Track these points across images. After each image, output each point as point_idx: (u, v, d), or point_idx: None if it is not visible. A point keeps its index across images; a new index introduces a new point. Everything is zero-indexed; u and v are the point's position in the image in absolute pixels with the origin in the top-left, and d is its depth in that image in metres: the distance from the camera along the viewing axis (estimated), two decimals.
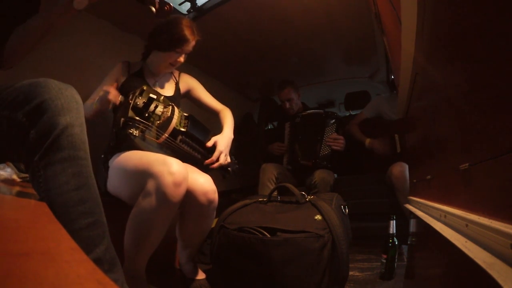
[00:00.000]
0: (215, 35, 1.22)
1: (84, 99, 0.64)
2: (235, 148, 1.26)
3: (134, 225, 0.91)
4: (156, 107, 1.06)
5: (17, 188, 0.71)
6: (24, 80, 0.59)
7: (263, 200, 1.22)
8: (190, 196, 1.01)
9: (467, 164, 0.40)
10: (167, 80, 1.29)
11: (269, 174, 1.74)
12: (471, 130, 0.40)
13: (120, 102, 1.06)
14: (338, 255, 0.93)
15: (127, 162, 0.98)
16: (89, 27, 1.38)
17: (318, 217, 0.99)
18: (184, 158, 1.08)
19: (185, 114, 1.16)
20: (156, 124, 1.06)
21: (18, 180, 0.81)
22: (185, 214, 1.09)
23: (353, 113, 2.59)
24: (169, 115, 1.07)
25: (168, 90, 1.27)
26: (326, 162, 1.81)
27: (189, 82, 1.34)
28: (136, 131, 1.01)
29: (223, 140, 1.19)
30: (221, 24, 1.68)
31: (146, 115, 1.04)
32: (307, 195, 1.18)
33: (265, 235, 0.97)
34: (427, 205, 0.71)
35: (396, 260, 1.15)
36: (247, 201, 1.21)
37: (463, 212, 0.42)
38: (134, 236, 0.91)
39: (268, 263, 0.93)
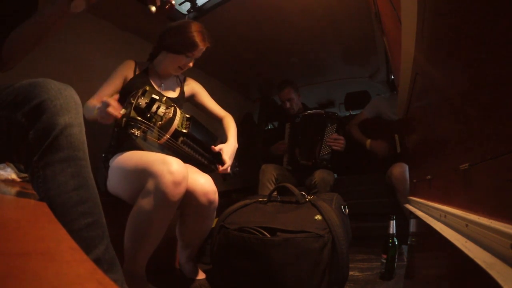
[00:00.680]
0: (215, 35, 1.22)
1: (84, 100, 0.64)
2: (236, 151, 1.26)
3: (133, 225, 0.91)
4: (158, 107, 1.06)
5: (17, 188, 0.71)
6: (23, 80, 0.59)
7: (263, 200, 1.22)
8: (190, 196, 1.01)
9: (467, 164, 0.40)
10: (172, 83, 1.29)
11: (269, 175, 1.74)
12: (471, 130, 0.40)
13: (122, 115, 0.98)
14: (338, 255, 0.93)
15: (127, 161, 0.99)
16: (89, 27, 1.38)
17: (318, 217, 0.99)
18: (185, 159, 1.08)
19: (187, 116, 1.16)
20: (158, 125, 1.06)
21: (18, 180, 0.81)
22: (185, 214, 1.09)
23: (353, 113, 2.60)
24: (171, 116, 1.07)
25: (173, 92, 1.27)
26: (326, 162, 1.81)
27: (194, 87, 1.34)
28: (137, 131, 1.01)
29: (229, 149, 1.19)
30: (221, 24, 1.68)
31: (148, 115, 1.04)
32: (307, 195, 1.18)
33: (265, 235, 0.97)
34: (427, 205, 0.72)
35: (396, 260, 1.15)
36: (247, 201, 1.21)
37: (463, 212, 0.42)
38: (134, 235, 0.91)
39: (268, 263, 0.93)
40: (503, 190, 0.30)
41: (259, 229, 0.98)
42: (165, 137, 1.06)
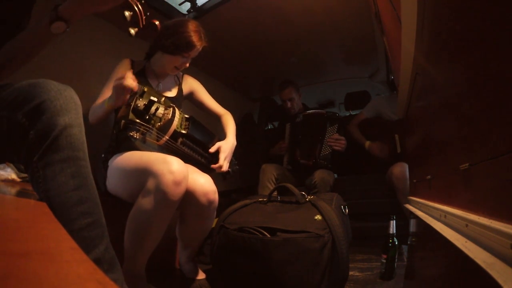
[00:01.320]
0: (215, 35, 1.21)
1: (83, 100, 0.63)
2: (235, 148, 1.25)
3: (133, 224, 0.91)
4: (157, 109, 1.06)
5: (17, 188, 0.72)
6: (23, 81, 0.59)
7: (263, 200, 1.22)
8: (190, 196, 1.01)
9: (467, 164, 0.40)
10: (170, 81, 1.28)
11: (269, 175, 1.74)
12: (471, 130, 0.40)
13: (137, 91, 0.99)
14: (338, 255, 0.93)
15: (127, 161, 0.98)
16: (89, 27, 1.38)
17: (318, 217, 0.99)
18: (185, 159, 1.08)
19: (186, 116, 1.15)
20: (156, 126, 1.05)
21: (18, 180, 0.81)
22: (185, 214, 1.09)
23: (353, 113, 2.60)
24: (170, 117, 1.07)
25: (171, 91, 1.26)
26: (327, 162, 1.81)
27: (192, 84, 1.34)
28: (136, 134, 1.00)
29: (227, 147, 1.18)
30: (221, 24, 1.68)
31: (147, 117, 1.04)
32: (307, 195, 1.18)
33: (265, 235, 0.97)
34: (427, 205, 0.71)
35: (396, 260, 1.15)
36: (247, 201, 1.21)
37: (463, 212, 0.42)
38: (134, 235, 0.91)
39: (268, 263, 0.93)
40: (503, 190, 0.30)
41: (259, 229, 0.98)
42: (164, 139, 1.06)
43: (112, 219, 0.68)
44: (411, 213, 1.01)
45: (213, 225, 1.14)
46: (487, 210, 0.34)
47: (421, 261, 0.77)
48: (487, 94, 0.34)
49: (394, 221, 1.17)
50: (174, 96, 1.25)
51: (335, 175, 1.83)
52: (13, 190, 0.69)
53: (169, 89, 1.26)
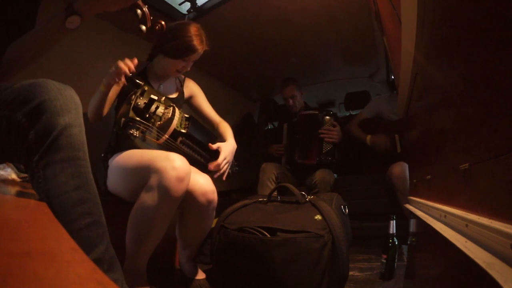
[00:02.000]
0: (215, 35, 1.21)
1: (83, 100, 0.64)
2: (236, 151, 1.25)
3: (135, 220, 0.91)
4: (157, 108, 1.06)
5: (17, 188, 0.71)
6: (24, 81, 0.59)
7: (263, 200, 1.22)
8: (189, 196, 1.01)
9: (467, 164, 0.40)
10: (171, 83, 1.28)
11: (269, 174, 1.74)
12: (471, 130, 0.40)
13: (132, 78, 1.01)
14: (338, 255, 0.93)
15: (128, 159, 0.99)
16: (89, 27, 1.38)
17: (318, 217, 0.99)
18: None
19: (186, 116, 1.15)
20: (156, 125, 1.06)
21: (18, 180, 0.81)
22: (185, 214, 1.09)
23: (353, 113, 2.60)
24: (170, 116, 1.07)
25: (171, 93, 1.26)
26: (331, 157, 1.81)
27: (193, 89, 1.33)
28: (136, 132, 1.01)
29: (228, 148, 1.17)
30: (221, 24, 1.68)
31: (147, 115, 1.04)
32: (307, 195, 1.18)
33: (265, 235, 0.97)
34: (427, 205, 0.71)
35: (396, 260, 1.15)
36: (247, 201, 1.21)
37: (463, 212, 0.42)
38: (136, 232, 0.91)
39: (268, 263, 0.93)
40: (503, 190, 0.30)
41: (259, 229, 0.98)
42: (164, 137, 1.06)
43: (112, 219, 0.68)
44: (411, 213, 1.01)
45: (213, 225, 1.14)
46: (487, 210, 0.34)
47: (421, 261, 0.77)
48: (487, 94, 0.34)
49: (394, 221, 1.17)
50: (175, 98, 1.25)
51: (335, 175, 1.83)
52: (13, 190, 0.69)
53: (170, 91, 1.26)
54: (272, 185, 1.69)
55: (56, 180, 0.55)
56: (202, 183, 1.03)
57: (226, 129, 1.29)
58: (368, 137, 1.89)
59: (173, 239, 1.21)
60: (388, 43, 1.28)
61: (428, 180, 0.74)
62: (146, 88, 1.07)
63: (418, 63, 0.74)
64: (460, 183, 0.45)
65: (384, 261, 1.14)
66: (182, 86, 1.31)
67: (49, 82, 0.58)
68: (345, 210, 1.17)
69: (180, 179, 0.89)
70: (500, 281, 0.25)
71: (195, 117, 1.34)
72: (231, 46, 1.91)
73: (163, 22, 0.89)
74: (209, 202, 1.04)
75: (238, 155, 1.28)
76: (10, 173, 0.81)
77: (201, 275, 1.15)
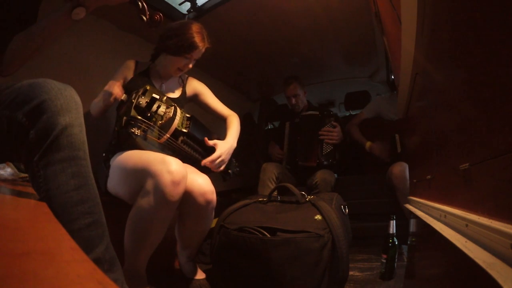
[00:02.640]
0: (215, 35, 1.21)
1: (84, 100, 0.64)
2: (236, 148, 1.25)
3: (133, 225, 0.91)
4: (158, 107, 1.06)
5: (17, 188, 0.71)
6: (24, 81, 0.59)
7: (263, 200, 1.22)
8: (188, 196, 1.01)
9: (467, 164, 0.40)
10: (174, 83, 1.28)
11: (270, 174, 1.74)
12: (471, 130, 0.40)
13: (122, 100, 1.06)
14: (338, 255, 0.93)
15: (127, 161, 0.99)
16: (89, 27, 1.38)
17: (318, 217, 0.99)
18: (185, 158, 1.07)
19: (187, 115, 1.16)
20: (158, 124, 1.06)
21: (18, 180, 0.81)
22: (184, 214, 1.09)
23: (353, 113, 2.60)
24: (171, 115, 1.07)
25: (174, 92, 1.26)
26: (331, 159, 1.81)
27: (196, 87, 1.33)
28: (138, 130, 1.01)
29: (224, 146, 1.16)
30: (221, 24, 1.68)
31: (149, 114, 1.04)
32: (307, 195, 1.18)
33: (265, 235, 0.97)
34: (427, 205, 0.71)
35: (396, 260, 1.15)
36: (247, 201, 1.21)
37: (463, 212, 0.42)
38: (134, 236, 0.91)
39: (268, 263, 0.93)
40: (503, 190, 0.30)
41: (259, 229, 0.98)
42: (165, 137, 1.06)
43: (113, 219, 0.68)
44: (411, 213, 1.01)
45: (213, 225, 1.14)
46: (487, 210, 0.34)
47: (421, 261, 0.77)
48: (487, 94, 0.34)
49: (394, 221, 1.17)
50: (177, 97, 1.25)
51: (336, 175, 1.83)
52: (13, 190, 0.69)
53: (172, 91, 1.26)
54: (272, 185, 1.69)
55: (56, 179, 0.55)
56: (200, 183, 1.03)
57: (230, 124, 1.29)
58: (368, 144, 1.89)
59: (173, 240, 1.21)
60: (388, 43, 1.28)
61: (428, 180, 0.74)
62: (148, 88, 1.07)
63: (418, 63, 0.75)
64: (460, 183, 0.45)
65: (384, 261, 1.14)
66: (184, 85, 1.31)
67: (49, 82, 0.58)
68: (345, 210, 1.17)
69: (176, 183, 0.88)
70: (500, 281, 0.25)
71: (202, 114, 1.35)
72: (231, 46, 1.91)
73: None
74: (208, 202, 1.04)
75: (238, 155, 1.28)
76: (10, 173, 0.81)
77: (201, 275, 1.15)
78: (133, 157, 0.98)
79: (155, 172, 0.88)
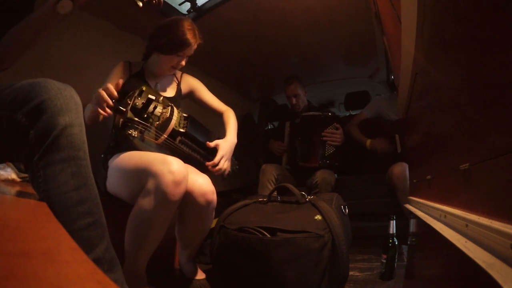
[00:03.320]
0: (215, 35, 1.22)
1: (83, 99, 0.64)
2: (235, 148, 1.25)
3: (134, 225, 0.91)
4: (155, 107, 1.06)
5: (17, 188, 0.71)
6: (24, 80, 0.59)
7: (263, 200, 1.22)
8: (188, 196, 1.01)
9: (467, 164, 0.40)
10: (168, 81, 1.28)
11: (269, 175, 1.73)
12: (471, 130, 0.40)
13: (115, 106, 0.98)
14: (338, 255, 0.93)
15: (127, 161, 0.98)
16: (89, 27, 1.38)
17: (318, 217, 0.99)
18: (184, 159, 1.07)
19: (185, 115, 1.15)
20: (155, 125, 1.05)
21: (18, 180, 0.81)
22: (184, 214, 1.09)
23: (353, 113, 2.60)
24: (168, 115, 1.07)
25: (169, 91, 1.26)
26: (333, 161, 1.81)
27: (191, 83, 1.33)
28: (135, 132, 1.01)
29: (225, 145, 1.17)
30: (221, 24, 1.68)
31: (145, 116, 1.04)
32: (307, 195, 1.18)
33: (265, 235, 0.96)
34: (427, 205, 0.71)
35: (396, 260, 1.15)
36: (247, 201, 1.21)
37: (463, 212, 0.42)
38: (134, 236, 0.91)
39: (268, 263, 0.93)
40: (503, 190, 0.30)
41: (259, 229, 0.98)
42: (162, 137, 1.06)
43: (113, 219, 0.68)
44: (411, 213, 1.01)
45: (213, 225, 1.14)
46: (487, 210, 0.34)
47: (421, 261, 0.77)
48: (487, 94, 0.34)
49: (394, 221, 1.17)
50: (173, 96, 1.24)
51: (336, 175, 1.83)
52: (13, 190, 0.69)
53: (168, 89, 1.26)
54: (272, 186, 1.69)
55: (56, 180, 0.55)
56: (201, 184, 1.03)
57: (228, 120, 1.28)
58: (368, 141, 1.89)
59: (173, 239, 1.21)
60: (388, 43, 1.28)
61: (428, 180, 0.74)
62: (144, 88, 1.07)
63: (418, 63, 0.75)
64: (460, 183, 0.45)
65: (384, 261, 1.14)
66: (179, 83, 1.30)
67: (49, 81, 0.58)
68: (345, 210, 1.17)
69: (177, 183, 0.88)
70: (500, 281, 0.25)
71: (199, 112, 1.35)
72: (231, 46, 1.91)
73: None
74: (208, 202, 1.04)
75: (238, 155, 1.28)
76: (10, 173, 0.81)
77: (201, 275, 1.15)
78: (133, 157, 0.98)
79: (157, 172, 0.88)
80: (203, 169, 1.14)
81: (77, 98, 0.61)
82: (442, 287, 0.51)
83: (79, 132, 0.59)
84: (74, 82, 0.66)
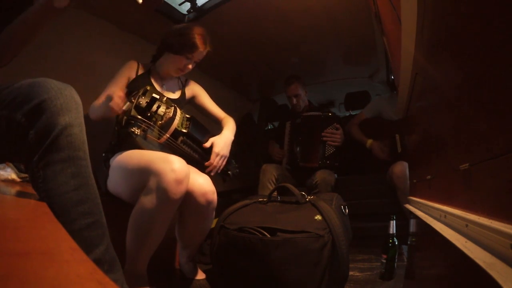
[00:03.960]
0: (215, 35, 1.22)
1: (83, 99, 0.63)
2: (235, 149, 1.25)
3: (135, 223, 0.91)
4: (158, 107, 1.07)
5: (17, 188, 0.71)
6: (23, 80, 0.59)
7: (263, 200, 1.22)
8: (189, 196, 1.01)
9: (467, 164, 0.40)
10: (174, 84, 1.30)
11: (269, 175, 1.73)
12: (471, 130, 0.40)
13: (124, 112, 1.02)
14: (338, 255, 0.93)
15: (128, 160, 0.99)
16: (89, 27, 1.38)
17: (318, 217, 0.99)
18: (184, 159, 1.07)
19: (187, 116, 1.16)
20: (158, 124, 1.06)
21: (18, 180, 0.81)
22: (184, 214, 1.09)
23: (353, 113, 2.60)
24: (171, 115, 1.08)
25: (174, 93, 1.28)
26: (333, 161, 1.81)
27: (195, 89, 1.35)
28: (138, 130, 1.01)
29: (220, 141, 1.18)
30: (221, 24, 1.68)
31: (149, 114, 1.05)
32: (307, 195, 1.18)
33: (265, 235, 0.96)
34: (427, 205, 0.71)
35: (396, 260, 1.15)
36: (247, 201, 1.21)
37: (463, 212, 0.42)
38: (136, 234, 0.91)
39: (268, 263, 0.93)
40: (503, 190, 0.30)
41: (259, 229, 0.98)
42: (165, 137, 1.06)
43: (113, 219, 0.68)
44: (411, 213, 1.01)
45: (213, 225, 1.14)
46: (487, 210, 0.34)
47: (421, 261, 0.77)
48: (487, 94, 0.34)
49: (394, 221, 1.17)
50: (177, 98, 1.26)
51: (335, 175, 1.83)
52: (13, 190, 0.69)
53: (172, 91, 1.27)
54: (272, 187, 1.69)
55: (56, 180, 0.55)
56: (201, 184, 1.03)
57: (227, 123, 1.30)
58: (369, 142, 1.89)
59: (173, 239, 1.21)
60: (388, 43, 1.28)
61: (428, 180, 0.74)
62: (148, 88, 1.08)
63: (418, 63, 0.75)
64: (460, 183, 0.45)
65: (384, 261, 1.14)
66: (184, 87, 1.32)
67: (49, 81, 0.58)
68: (345, 210, 1.17)
69: (179, 182, 0.89)
70: (500, 281, 0.25)
71: (201, 115, 1.35)
72: (231, 46, 1.91)
73: None
74: (209, 202, 1.04)
75: (238, 155, 1.28)
76: (10, 173, 0.81)
77: (201, 275, 1.15)
78: (135, 156, 0.98)
79: (158, 171, 0.88)
80: (203, 169, 1.14)
81: (77, 98, 0.61)
82: (442, 287, 0.51)
83: (79, 132, 0.59)
84: (74, 82, 0.66)
